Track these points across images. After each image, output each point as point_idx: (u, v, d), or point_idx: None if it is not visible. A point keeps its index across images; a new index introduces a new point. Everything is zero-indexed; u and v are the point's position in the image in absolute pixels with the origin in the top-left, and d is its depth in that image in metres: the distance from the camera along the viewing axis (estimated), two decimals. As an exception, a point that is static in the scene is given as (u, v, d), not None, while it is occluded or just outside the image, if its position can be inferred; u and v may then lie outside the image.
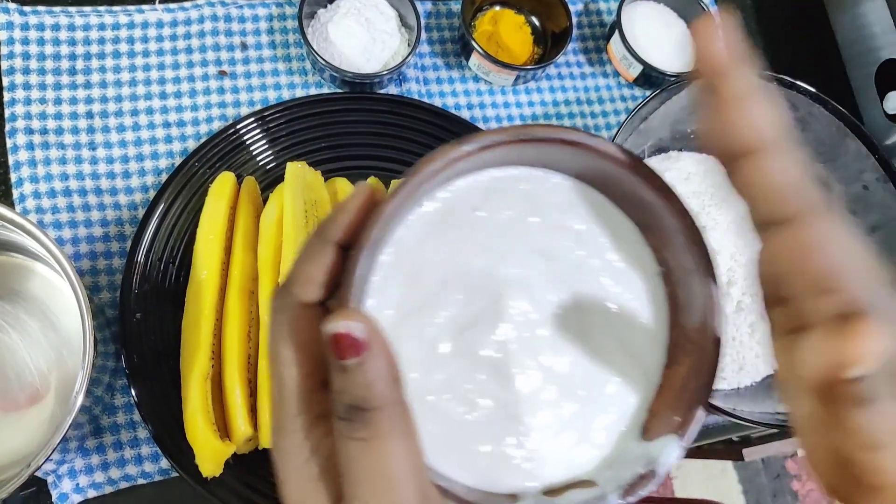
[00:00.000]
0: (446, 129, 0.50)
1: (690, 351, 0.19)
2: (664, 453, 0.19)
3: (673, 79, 0.53)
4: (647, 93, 0.54)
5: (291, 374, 0.17)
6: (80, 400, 0.34)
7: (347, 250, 0.18)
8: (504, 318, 0.19)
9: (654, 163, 0.50)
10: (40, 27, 0.48)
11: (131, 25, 0.49)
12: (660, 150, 0.50)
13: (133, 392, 0.41)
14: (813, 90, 0.46)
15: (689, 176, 0.48)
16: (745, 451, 0.78)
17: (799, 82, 0.46)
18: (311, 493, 0.17)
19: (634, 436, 0.20)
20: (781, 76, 0.46)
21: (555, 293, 0.20)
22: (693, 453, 0.99)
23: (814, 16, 0.63)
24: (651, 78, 0.55)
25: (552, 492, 0.19)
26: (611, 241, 0.20)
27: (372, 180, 0.47)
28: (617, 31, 0.54)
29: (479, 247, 0.20)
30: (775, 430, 0.81)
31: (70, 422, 0.34)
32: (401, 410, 0.16)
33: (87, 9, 0.49)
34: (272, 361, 0.18)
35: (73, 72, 0.48)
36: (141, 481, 0.42)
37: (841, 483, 0.17)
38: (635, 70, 0.55)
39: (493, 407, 0.19)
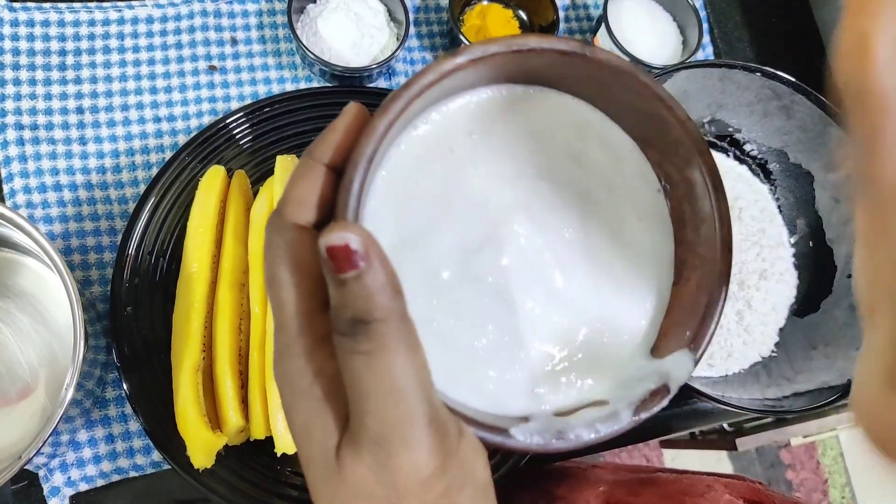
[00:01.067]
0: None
1: (698, 265, 0.19)
2: (676, 368, 0.18)
3: (658, 71, 0.54)
4: (634, 85, 0.54)
5: (290, 296, 0.17)
6: (70, 393, 0.34)
7: (340, 175, 0.17)
8: (507, 243, 0.19)
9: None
10: (30, 23, 0.48)
11: (121, 21, 0.50)
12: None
13: (124, 385, 0.41)
14: (793, 80, 0.47)
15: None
16: (738, 441, 0.78)
17: (780, 73, 0.47)
18: (316, 416, 0.17)
19: (645, 354, 0.19)
20: (764, 67, 0.47)
21: (557, 216, 0.19)
22: (687, 444, 1.00)
23: (797, 8, 0.64)
24: (638, 71, 0.55)
25: (564, 413, 0.18)
26: (610, 159, 0.20)
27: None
28: (603, 25, 0.54)
29: (476, 171, 0.19)
30: (767, 420, 0.82)
31: (60, 415, 0.34)
32: (404, 322, 0.16)
33: (77, 5, 0.49)
34: (270, 286, 0.17)
35: (63, 67, 0.48)
36: (133, 474, 0.42)
37: None
38: (622, 63, 0.55)
39: (500, 332, 0.18)
